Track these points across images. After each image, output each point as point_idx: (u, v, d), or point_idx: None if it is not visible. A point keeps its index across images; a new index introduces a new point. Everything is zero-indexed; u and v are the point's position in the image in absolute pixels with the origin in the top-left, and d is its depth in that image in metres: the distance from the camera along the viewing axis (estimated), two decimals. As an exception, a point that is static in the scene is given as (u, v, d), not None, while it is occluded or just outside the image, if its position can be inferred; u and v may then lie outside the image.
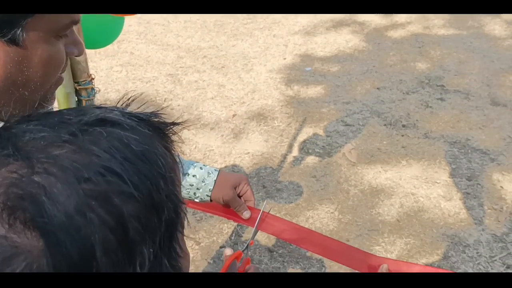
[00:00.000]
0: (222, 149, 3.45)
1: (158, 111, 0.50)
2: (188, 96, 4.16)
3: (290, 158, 3.33)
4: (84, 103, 1.34)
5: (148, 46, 5.16)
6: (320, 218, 2.80)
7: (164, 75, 4.54)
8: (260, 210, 1.13)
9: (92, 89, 1.35)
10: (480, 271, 2.44)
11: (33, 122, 0.42)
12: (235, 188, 1.13)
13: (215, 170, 1.13)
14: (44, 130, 0.41)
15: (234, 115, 3.86)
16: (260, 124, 3.73)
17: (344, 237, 2.66)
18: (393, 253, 2.55)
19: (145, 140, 0.44)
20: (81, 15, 0.74)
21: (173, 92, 4.23)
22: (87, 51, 1.46)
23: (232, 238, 2.67)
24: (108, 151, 0.40)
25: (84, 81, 1.33)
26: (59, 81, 0.78)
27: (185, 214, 0.47)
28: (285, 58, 4.84)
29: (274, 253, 2.56)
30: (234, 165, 3.27)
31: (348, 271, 1.64)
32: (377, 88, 4.22)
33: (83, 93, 1.34)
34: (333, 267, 2.47)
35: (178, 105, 4.02)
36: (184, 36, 5.42)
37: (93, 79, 1.34)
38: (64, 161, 0.39)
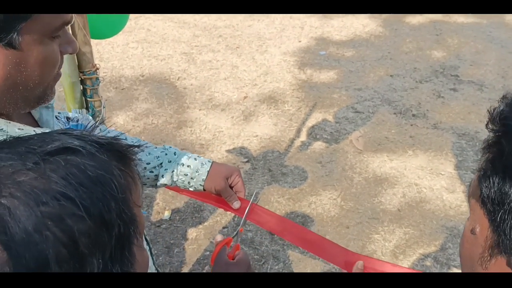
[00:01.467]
0: (231, 130, 3.51)
1: (118, 136, 0.56)
2: (201, 76, 4.20)
3: (297, 142, 3.38)
4: (89, 91, 1.40)
5: (165, 23, 5.20)
6: (323, 204, 2.85)
7: (179, 53, 4.59)
8: (249, 201, 1.19)
9: (97, 78, 1.41)
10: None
11: (5, 150, 0.50)
12: (227, 179, 1.19)
13: (208, 161, 1.19)
14: (12, 159, 0.48)
15: (245, 97, 3.90)
16: (270, 107, 3.77)
17: (345, 224, 2.72)
18: (391, 242, 2.60)
19: (101, 165, 0.51)
20: (72, 15, 0.79)
21: (187, 71, 4.28)
22: (96, 46, 1.51)
23: (235, 219, 2.74)
24: (65, 178, 0.48)
25: (89, 71, 1.38)
26: (57, 78, 0.84)
27: (137, 228, 0.53)
28: (300, 41, 4.84)
29: (275, 236, 2.63)
30: (242, 147, 3.33)
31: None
32: (390, 76, 4.21)
33: (88, 82, 1.40)
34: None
35: (191, 85, 4.08)
36: (201, 14, 5.43)
37: (97, 69, 1.40)
38: (26, 187, 0.46)
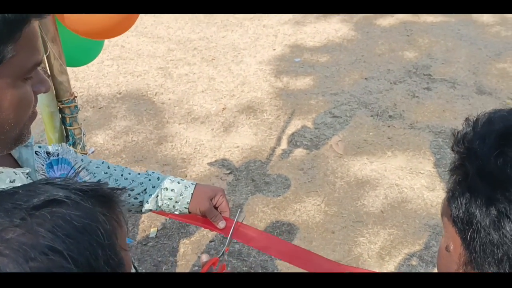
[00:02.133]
0: (212, 143, 3.52)
1: (101, 182, 0.58)
2: (179, 90, 4.21)
3: (278, 151, 3.41)
4: (68, 120, 1.41)
5: (139, 38, 5.19)
6: (307, 210, 2.89)
7: (155, 68, 4.59)
8: (234, 220, 1.21)
9: (75, 106, 1.41)
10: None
11: None
12: (211, 200, 1.21)
13: (191, 183, 1.21)
14: None
15: (224, 109, 3.92)
16: (249, 117, 3.80)
17: (330, 229, 2.75)
18: (376, 244, 2.64)
19: (86, 214, 0.53)
20: (42, 56, 0.80)
21: (164, 86, 4.28)
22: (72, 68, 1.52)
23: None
24: (52, 231, 0.49)
25: (67, 100, 1.39)
26: (32, 117, 0.84)
27: (124, 271, 0.56)
28: (274, 49, 4.88)
29: (262, 246, 2.65)
30: (224, 159, 3.35)
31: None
32: (365, 79, 4.28)
33: (67, 111, 1.41)
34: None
35: (169, 99, 4.08)
36: (175, 27, 5.45)
37: (75, 97, 1.40)
38: (15, 244, 0.47)
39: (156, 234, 2.76)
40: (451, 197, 0.62)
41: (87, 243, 0.51)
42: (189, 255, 2.63)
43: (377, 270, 2.50)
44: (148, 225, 2.81)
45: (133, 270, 1.09)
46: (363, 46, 4.88)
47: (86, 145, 1.47)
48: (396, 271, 2.49)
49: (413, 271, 2.49)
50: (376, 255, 2.59)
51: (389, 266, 2.51)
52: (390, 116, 3.74)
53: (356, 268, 1.13)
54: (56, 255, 0.48)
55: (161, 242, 2.71)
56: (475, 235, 0.58)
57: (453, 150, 0.63)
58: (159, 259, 2.60)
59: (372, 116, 3.75)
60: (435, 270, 2.54)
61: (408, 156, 3.31)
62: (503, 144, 0.57)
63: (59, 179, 0.56)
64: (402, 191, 3.01)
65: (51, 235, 0.49)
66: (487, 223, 0.56)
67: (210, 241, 2.69)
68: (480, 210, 0.57)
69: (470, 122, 0.63)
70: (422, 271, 2.49)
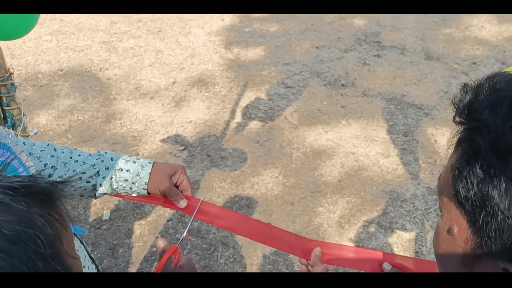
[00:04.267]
0: (163, 118, 3.39)
1: (37, 174, 0.47)
2: (125, 64, 4.02)
3: (233, 124, 3.33)
4: (4, 99, 1.25)
5: (79, 11, 4.90)
6: (265, 183, 2.84)
7: (98, 42, 4.35)
8: (196, 198, 1.13)
9: (12, 84, 1.26)
10: (416, 224, 2.59)
11: None
12: (171, 178, 1.12)
13: (149, 162, 1.12)
14: None
15: (174, 82, 3.78)
16: (201, 91, 3.68)
17: (289, 200, 2.73)
18: (335, 213, 2.65)
19: (19, 218, 0.41)
20: None
21: (109, 61, 4.07)
22: (6, 42, 1.36)
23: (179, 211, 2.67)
24: None
25: (2, 77, 1.23)
26: None
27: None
28: (223, 19, 4.74)
29: (221, 222, 2.59)
30: (176, 135, 3.24)
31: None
32: (316, 47, 4.25)
33: (2, 89, 1.25)
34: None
35: (115, 75, 3.89)
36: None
37: (11, 74, 1.25)
38: None
39: (110, 217, 2.64)
40: (458, 175, 0.54)
41: (23, 255, 0.40)
42: (146, 236, 2.53)
43: (337, 239, 2.50)
44: (100, 208, 2.68)
45: (93, 270, 0.99)
46: (312, 14, 4.82)
47: (27, 127, 1.32)
48: (355, 239, 2.50)
49: (372, 237, 2.52)
50: (336, 224, 2.59)
51: (349, 234, 2.52)
52: (342, 85, 3.73)
53: (325, 242, 1.08)
54: None
55: (116, 224, 2.60)
56: (489, 219, 0.51)
57: (454, 122, 0.56)
58: (114, 242, 2.50)
59: (325, 85, 3.73)
60: (393, 237, 2.57)
61: (362, 124, 3.32)
62: None
63: None
64: (358, 159, 3.02)
65: None
66: (506, 205, 0.49)
67: (168, 220, 2.61)
68: (498, 191, 0.50)
69: (469, 88, 0.55)
70: (381, 237, 2.52)
